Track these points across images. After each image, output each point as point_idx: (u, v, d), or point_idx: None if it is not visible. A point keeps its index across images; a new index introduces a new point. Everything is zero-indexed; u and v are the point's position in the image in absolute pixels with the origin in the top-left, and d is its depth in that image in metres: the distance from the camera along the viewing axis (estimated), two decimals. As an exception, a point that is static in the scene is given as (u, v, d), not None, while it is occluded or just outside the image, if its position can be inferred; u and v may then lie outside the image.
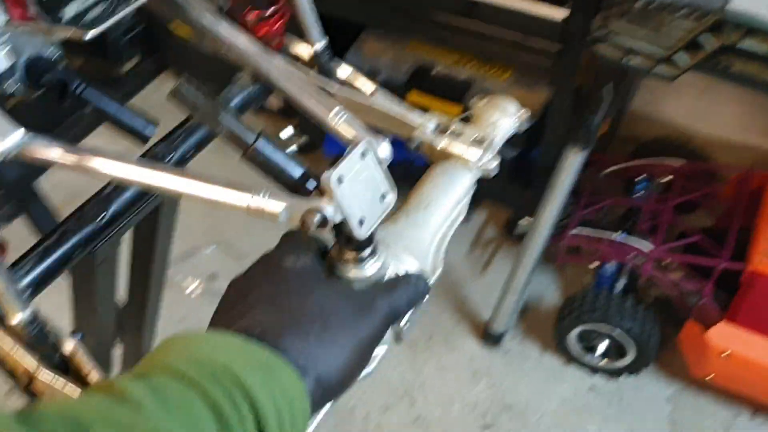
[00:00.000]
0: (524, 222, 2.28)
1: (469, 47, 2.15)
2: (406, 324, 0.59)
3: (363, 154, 0.55)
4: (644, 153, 2.24)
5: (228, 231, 2.33)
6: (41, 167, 2.40)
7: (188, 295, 2.17)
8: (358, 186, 0.55)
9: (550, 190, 1.83)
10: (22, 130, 0.60)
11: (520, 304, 2.19)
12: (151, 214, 0.83)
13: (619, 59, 1.49)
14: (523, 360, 2.14)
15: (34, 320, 0.59)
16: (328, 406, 0.54)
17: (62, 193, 1.69)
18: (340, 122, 0.72)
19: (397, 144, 0.72)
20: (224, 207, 0.57)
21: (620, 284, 2.02)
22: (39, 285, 0.67)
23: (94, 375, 0.60)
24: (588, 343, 2.04)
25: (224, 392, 0.44)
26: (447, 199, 0.70)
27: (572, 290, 2.25)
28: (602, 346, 2.02)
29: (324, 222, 0.54)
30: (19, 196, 1.07)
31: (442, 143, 0.75)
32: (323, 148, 2.38)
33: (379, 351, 0.57)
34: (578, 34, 1.67)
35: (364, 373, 0.54)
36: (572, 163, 1.73)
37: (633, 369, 2.02)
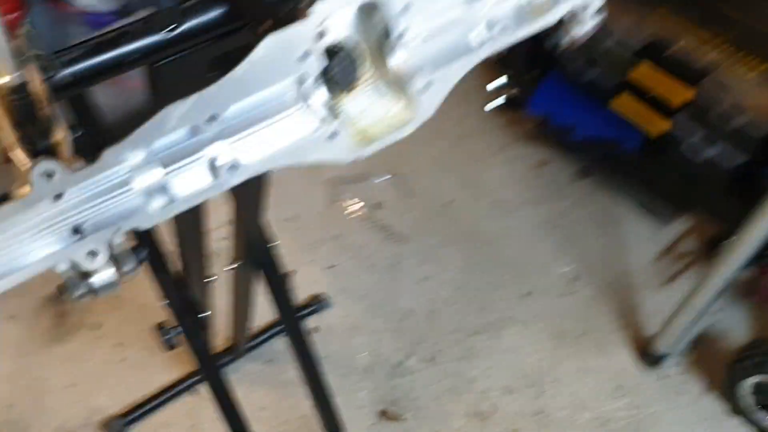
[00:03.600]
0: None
1: (722, 30, 1.86)
2: None
3: None
4: None
5: (406, 166, 2.26)
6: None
7: (347, 216, 2.14)
8: None
9: (762, 210, 1.54)
10: None
11: (696, 330, 1.90)
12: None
13: None
14: (679, 392, 1.86)
15: (22, 91, 0.54)
16: None
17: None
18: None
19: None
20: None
21: (824, 343, 1.67)
22: (77, 82, 0.62)
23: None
24: (764, 398, 1.72)
25: None
26: None
27: (764, 334, 1.91)
28: (779, 407, 1.69)
29: None
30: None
31: None
32: (528, 106, 2.22)
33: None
34: None
35: None
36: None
37: (810, 445, 1.67)
